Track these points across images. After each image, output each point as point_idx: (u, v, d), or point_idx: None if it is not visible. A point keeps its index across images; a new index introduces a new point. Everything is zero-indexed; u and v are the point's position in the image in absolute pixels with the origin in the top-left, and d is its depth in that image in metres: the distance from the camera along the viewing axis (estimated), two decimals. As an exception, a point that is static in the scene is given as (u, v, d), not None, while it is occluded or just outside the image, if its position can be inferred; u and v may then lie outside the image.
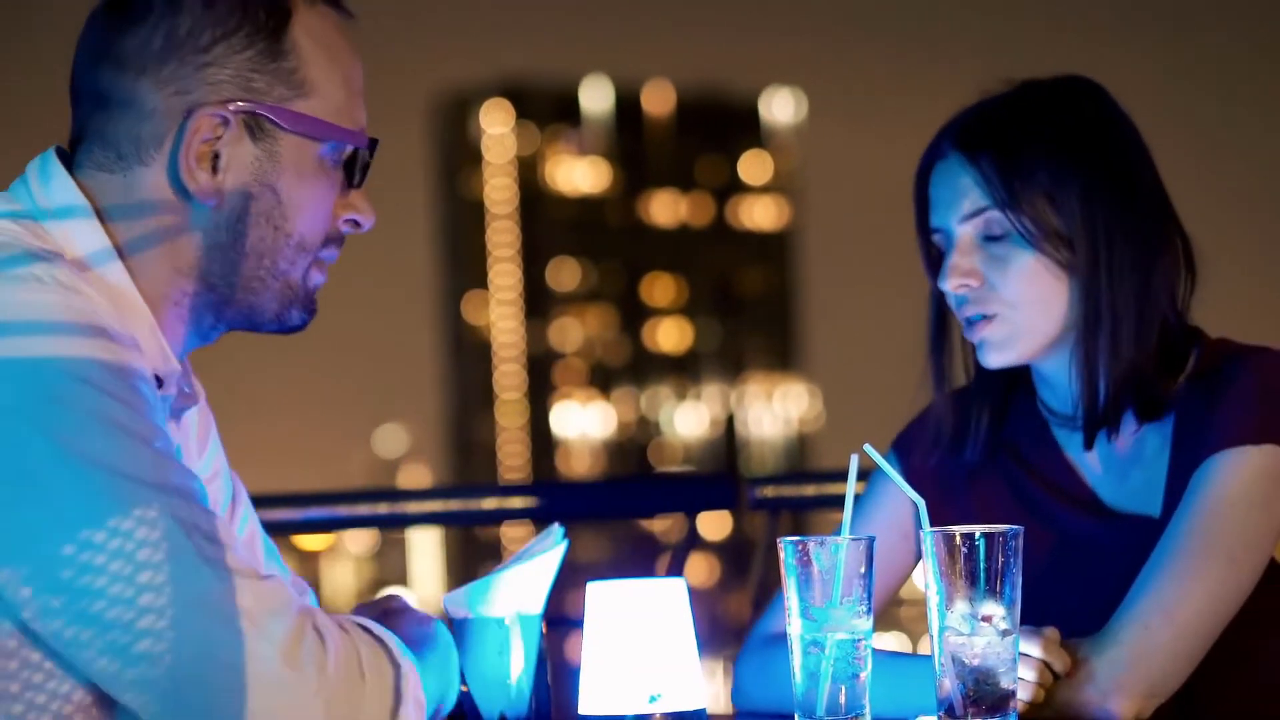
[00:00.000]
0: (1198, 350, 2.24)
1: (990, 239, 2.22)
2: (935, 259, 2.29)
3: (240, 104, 1.73)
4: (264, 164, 1.75)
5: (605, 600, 1.84)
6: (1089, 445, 2.24)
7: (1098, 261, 2.19)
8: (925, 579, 1.77)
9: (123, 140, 1.74)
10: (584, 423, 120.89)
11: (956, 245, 2.23)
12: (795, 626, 1.75)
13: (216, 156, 1.74)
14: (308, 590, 2.02)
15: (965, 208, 2.22)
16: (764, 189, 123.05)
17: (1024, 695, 1.93)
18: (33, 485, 1.55)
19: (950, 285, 2.22)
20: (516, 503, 3.74)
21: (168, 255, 1.75)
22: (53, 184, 1.75)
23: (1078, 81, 2.27)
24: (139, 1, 1.75)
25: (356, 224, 1.84)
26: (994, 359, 2.23)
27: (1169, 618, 2.03)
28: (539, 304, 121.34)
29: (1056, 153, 2.20)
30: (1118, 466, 2.27)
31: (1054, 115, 2.23)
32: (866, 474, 2.38)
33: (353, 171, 1.81)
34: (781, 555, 1.76)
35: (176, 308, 1.77)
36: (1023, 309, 2.21)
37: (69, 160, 1.78)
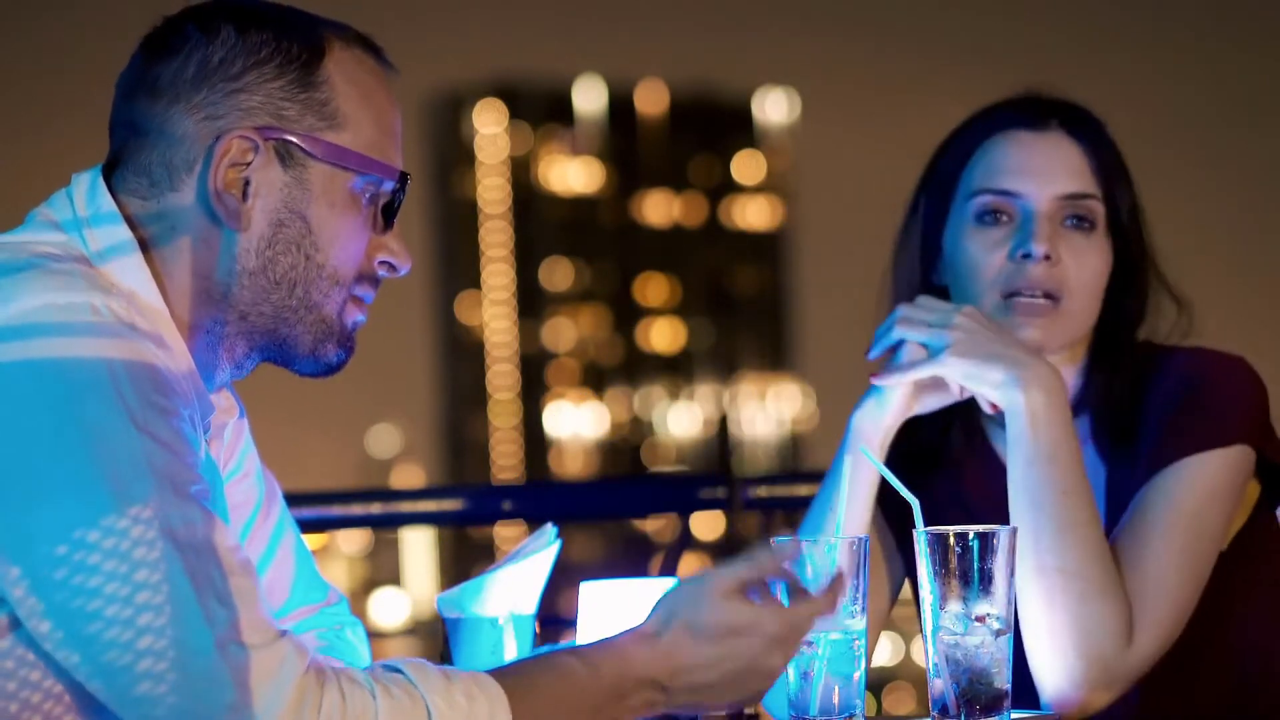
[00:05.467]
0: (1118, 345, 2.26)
1: (1077, 226, 2.21)
2: (942, 222, 2.26)
3: (269, 129, 1.73)
4: (294, 191, 1.75)
5: (598, 600, 1.84)
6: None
7: (1125, 270, 2.25)
8: (918, 579, 1.77)
9: (155, 167, 1.75)
10: (577, 423, 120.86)
11: (1044, 214, 2.20)
12: (788, 626, 1.75)
13: (247, 183, 1.73)
14: (342, 599, 2.02)
15: (1068, 186, 2.21)
16: (757, 189, 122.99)
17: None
18: (39, 481, 1.54)
19: (1041, 250, 2.17)
20: (509, 503, 3.74)
21: (199, 281, 1.75)
22: (102, 214, 1.74)
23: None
24: (174, 34, 1.76)
25: (392, 267, 1.83)
26: (1038, 340, 2.18)
27: (1163, 591, 2.06)
28: (532, 304, 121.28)
29: (1125, 165, 2.26)
30: None
31: (1108, 135, 2.26)
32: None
33: (390, 213, 1.81)
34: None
35: (208, 335, 1.77)
36: (1084, 300, 2.21)
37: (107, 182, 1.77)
